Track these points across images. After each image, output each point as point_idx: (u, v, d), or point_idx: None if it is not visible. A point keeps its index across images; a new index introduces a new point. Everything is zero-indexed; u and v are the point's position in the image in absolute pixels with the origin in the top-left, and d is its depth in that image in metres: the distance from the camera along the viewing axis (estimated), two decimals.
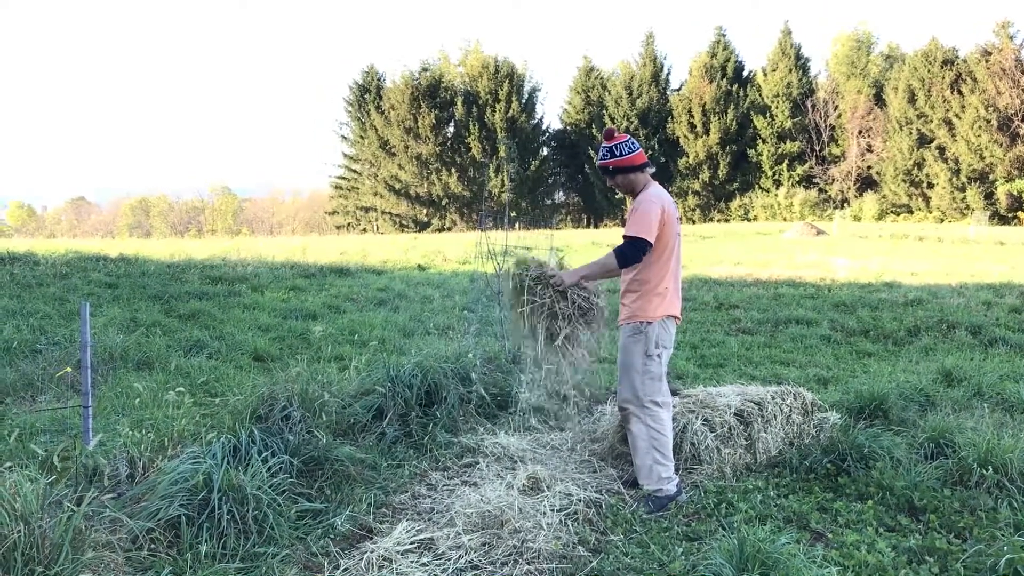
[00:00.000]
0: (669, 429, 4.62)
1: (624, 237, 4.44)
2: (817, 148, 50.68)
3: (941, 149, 44.58)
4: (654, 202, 4.46)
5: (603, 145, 4.66)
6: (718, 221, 49.17)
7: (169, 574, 3.49)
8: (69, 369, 6.17)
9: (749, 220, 48.67)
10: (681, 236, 4.70)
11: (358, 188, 55.95)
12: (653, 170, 4.70)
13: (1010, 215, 42.21)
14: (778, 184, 50.15)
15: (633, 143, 4.62)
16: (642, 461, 4.57)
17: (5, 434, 5.23)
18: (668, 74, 54.91)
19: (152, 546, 3.64)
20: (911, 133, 45.59)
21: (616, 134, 4.62)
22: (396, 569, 3.71)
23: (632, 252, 4.39)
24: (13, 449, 4.76)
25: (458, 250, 21.39)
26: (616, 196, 51.14)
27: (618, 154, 4.58)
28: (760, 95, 51.40)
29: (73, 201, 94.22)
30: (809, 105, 50.00)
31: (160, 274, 14.23)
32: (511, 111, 51.41)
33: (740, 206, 50.89)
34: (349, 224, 55.75)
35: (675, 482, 4.58)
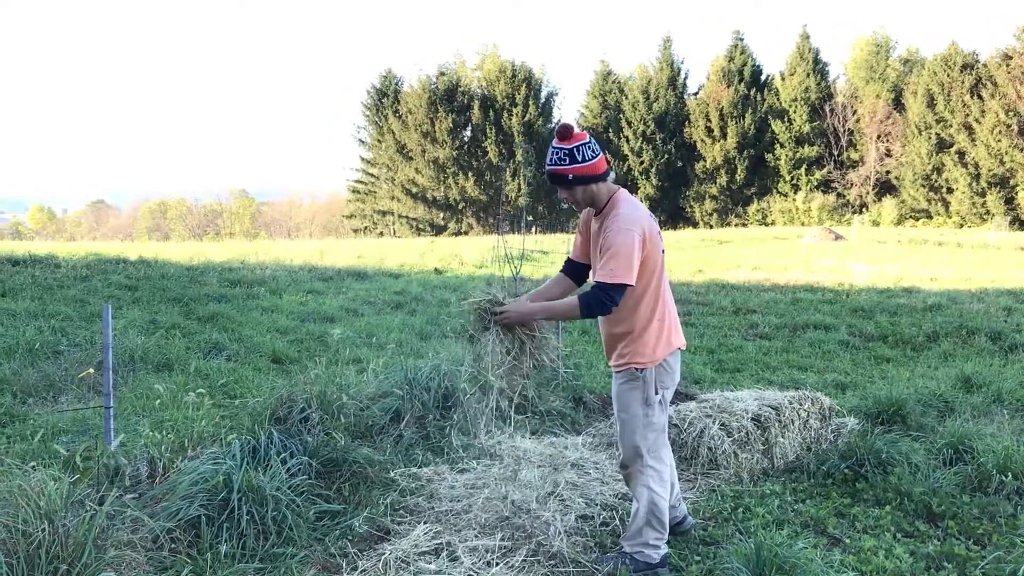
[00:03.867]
0: (668, 491, 3.89)
1: (596, 283, 3.59)
2: (835, 153, 50.39)
3: (961, 154, 44.21)
4: (631, 229, 3.57)
5: (557, 146, 3.69)
6: (736, 226, 48.90)
7: (189, 573, 3.53)
8: (91, 370, 6.23)
9: (767, 225, 48.42)
10: (664, 252, 3.85)
11: (375, 192, 56.12)
12: (613, 176, 3.85)
13: None
14: (796, 189, 49.90)
15: (595, 145, 3.71)
16: (636, 525, 3.84)
17: (28, 434, 5.30)
18: (685, 78, 54.78)
19: (173, 546, 3.68)
20: (930, 138, 45.23)
21: (574, 132, 3.68)
22: (414, 571, 3.73)
23: (601, 305, 3.56)
24: (36, 449, 4.82)
25: (475, 254, 21.41)
26: None
27: (580, 159, 3.65)
28: (778, 99, 51.15)
29: (92, 204, 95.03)
30: (827, 109, 49.72)
31: (179, 277, 14.32)
32: (528, 115, 51.41)
33: (758, 211, 50.64)
34: (366, 228, 55.89)
35: (663, 553, 3.85)
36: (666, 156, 51.43)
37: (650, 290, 3.72)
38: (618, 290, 3.55)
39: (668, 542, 3.93)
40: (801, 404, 5.54)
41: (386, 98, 54.25)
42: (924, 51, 57.69)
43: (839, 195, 49.57)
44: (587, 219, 3.94)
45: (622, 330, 3.78)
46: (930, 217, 45.84)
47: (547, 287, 4.12)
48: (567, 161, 3.66)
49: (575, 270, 4.09)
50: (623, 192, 3.79)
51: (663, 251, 3.81)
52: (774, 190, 50.89)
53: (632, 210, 3.68)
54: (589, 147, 3.67)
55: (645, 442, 3.79)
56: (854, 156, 50.11)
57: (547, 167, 3.74)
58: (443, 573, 3.71)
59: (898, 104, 49.13)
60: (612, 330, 3.83)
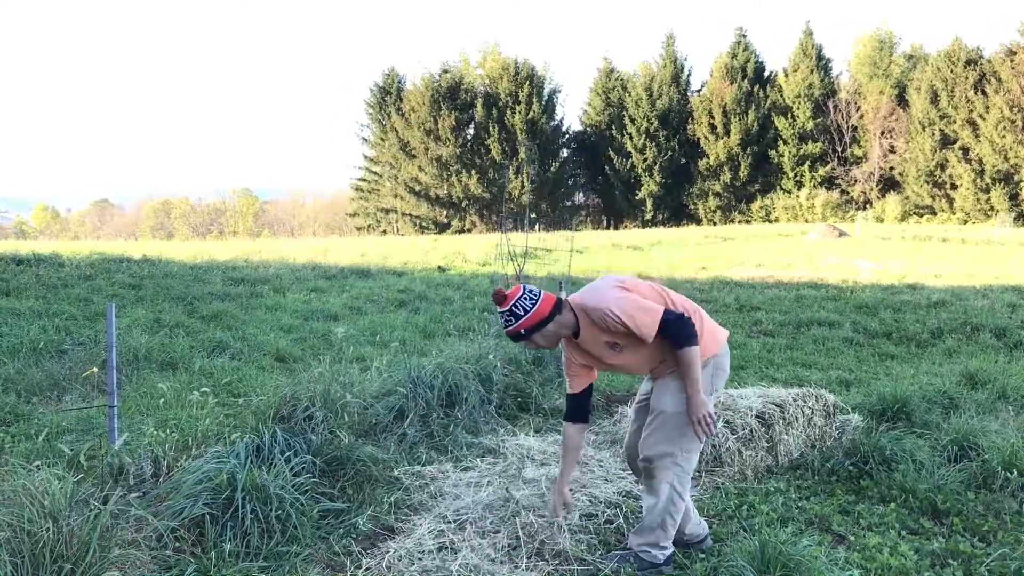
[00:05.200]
0: (688, 495, 3.87)
1: (658, 333, 3.63)
2: (839, 149, 50.28)
3: (965, 150, 44.11)
4: (612, 297, 3.67)
5: (500, 311, 3.78)
6: (739, 223, 48.83)
7: (194, 572, 3.53)
8: (95, 369, 6.24)
9: (770, 222, 48.34)
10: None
11: (378, 190, 56.09)
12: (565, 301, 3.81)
13: None
14: (800, 185, 49.79)
15: (532, 291, 3.76)
16: (649, 522, 3.82)
17: (33, 433, 5.31)
18: (688, 75, 54.63)
19: (177, 544, 3.69)
20: (934, 134, 45.13)
21: (506, 293, 3.74)
22: (418, 569, 3.73)
23: (683, 327, 3.63)
24: (41, 448, 4.82)
25: (478, 252, 21.41)
26: (636, 197, 51.00)
27: (521, 312, 3.70)
28: (781, 96, 51.04)
29: (96, 203, 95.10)
30: (831, 106, 49.61)
31: (183, 275, 14.34)
32: (531, 113, 51.35)
33: (761, 207, 50.56)
34: (369, 226, 55.86)
35: (668, 554, 3.84)
36: (669, 153, 51.35)
37: (680, 302, 3.81)
38: (675, 314, 3.64)
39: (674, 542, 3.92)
40: (805, 401, 5.53)
41: (389, 96, 54.21)
42: (928, 47, 57.59)
43: (843, 192, 49.49)
44: (570, 346, 3.92)
45: (663, 353, 3.76)
46: (934, 213, 45.75)
47: (570, 447, 4.01)
48: (513, 321, 3.73)
49: (579, 411, 4.02)
50: (575, 299, 3.80)
51: (652, 286, 3.85)
52: (778, 187, 50.79)
53: (593, 295, 3.74)
54: (524, 299, 3.72)
55: (682, 440, 3.76)
56: (858, 152, 50.01)
57: (504, 330, 3.83)
58: (447, 571, 3.71)
59: (902, 100, 49.04)
60: (656, 363, 3.83)
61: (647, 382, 4.03)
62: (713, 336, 3.86)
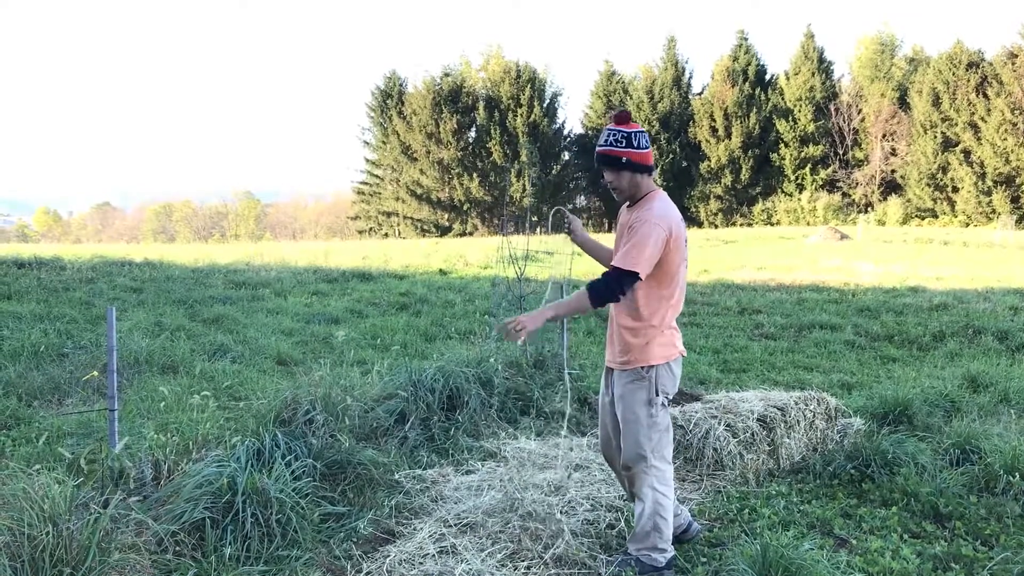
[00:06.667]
0: (672, 491, 3.88)
1: (611, 266, 3.66)
2: (840, 152, 50.26)
3: (966, 152, 44.06)
4: (659, 224, 3.61)
5: (615, 128, 3.71)
6: (741, 225, 48.77)
7: None
8: (95, 373, 6.23)
9: (772, 225, 48.29)
10: (687, 261, 3.89)
11: (380, 193, 56.14)
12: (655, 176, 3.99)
13: None
14: (801, 188, 49.75)
15: (647, 138, 3.76)
16: (641, 527, 3.82)
17: (33, 437, 5.30)
18: (690, 78, 54.64)
19: (177, 548, 3.68)
20: (935, 136, 45.10)
21: (631, 119, 3.74)
22: (418, 573, 3.72)
23: (610, 289, 3.60)
24: (41, 452, 4.82)
25: (479, 254, 21.41)
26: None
27: (636, 145, 3.68)
28: (783, 99, 51.02)
29: (98, 206, 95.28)
30: (832, 109, 49.58)
31: (184, 279, 14.35)
32: (533, 116, 51.37)
33: (763, 210, 50.52)
34: (371, 229, 55.89)
35: (669, 556, 3.83)
36: (671, 156, 51.31)
37: (665, 295, 3.75)
38: (628, 278, 3.58)
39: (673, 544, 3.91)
40: (807, 404, 5.52)
41: (390, 99, 54.26)
42: (929, 49, 57.38)
43: (844, 195, 49.45)
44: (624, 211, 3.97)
45: (630, 326, 3.77)
46: (936, 216, 45.69)
47: (599, 244, 4.26)
48: (623, 144, 3.68)
49: None
50: (662, 191, 3.84)
51: (686, 259, 3.81)
52: (779, 190, 50.76)
53: (665, 207, 3.72)
54: (644, 136, 3.72)
55: (649, 443, 3.78)
56: (859, 155, 49.98)
57: (600, 147, 3.75)
58: (448, 573, 3.70)
59: (903, 103, 48.99)
60: (619, 323, 3.83)
61: (604, 380, 4.06)
62: (675, 346, 3.84)
